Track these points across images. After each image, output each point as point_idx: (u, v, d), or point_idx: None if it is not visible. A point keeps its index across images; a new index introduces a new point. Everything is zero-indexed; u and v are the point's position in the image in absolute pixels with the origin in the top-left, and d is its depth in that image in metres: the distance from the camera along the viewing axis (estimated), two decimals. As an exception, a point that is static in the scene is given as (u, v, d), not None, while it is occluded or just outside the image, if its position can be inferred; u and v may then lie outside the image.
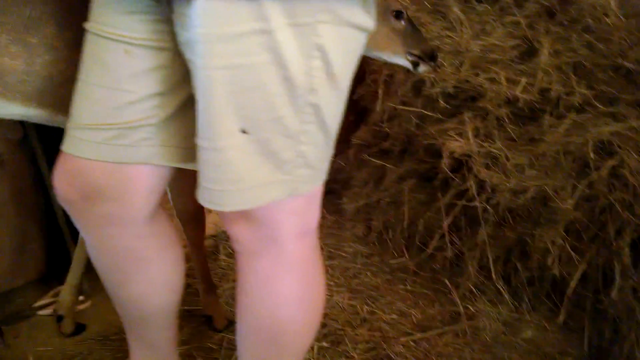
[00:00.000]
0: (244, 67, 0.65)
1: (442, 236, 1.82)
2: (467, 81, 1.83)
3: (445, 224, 1.79)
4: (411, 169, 2.00)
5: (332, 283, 1.88)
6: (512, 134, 1.75)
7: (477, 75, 1.82)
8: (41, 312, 1.63)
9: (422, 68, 1.53)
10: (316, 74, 0.68)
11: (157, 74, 0.76)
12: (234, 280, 1.52)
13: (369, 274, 1.95)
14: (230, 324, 1.62)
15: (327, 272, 1.94)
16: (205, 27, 0.63)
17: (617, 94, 1.72)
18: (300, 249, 0.81)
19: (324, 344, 1.57)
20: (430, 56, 1.53)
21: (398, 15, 1.50)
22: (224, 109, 0.67)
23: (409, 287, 1.87)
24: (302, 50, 0.65)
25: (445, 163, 1.75)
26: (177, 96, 0.79)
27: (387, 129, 2.12)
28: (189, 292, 1.70)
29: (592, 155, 1.57)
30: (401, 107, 2.00)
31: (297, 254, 0.81)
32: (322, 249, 2.05)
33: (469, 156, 1.75)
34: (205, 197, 0.74)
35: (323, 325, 1.65)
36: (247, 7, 0.61)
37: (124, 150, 0.79)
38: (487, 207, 1.71)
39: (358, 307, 1.76)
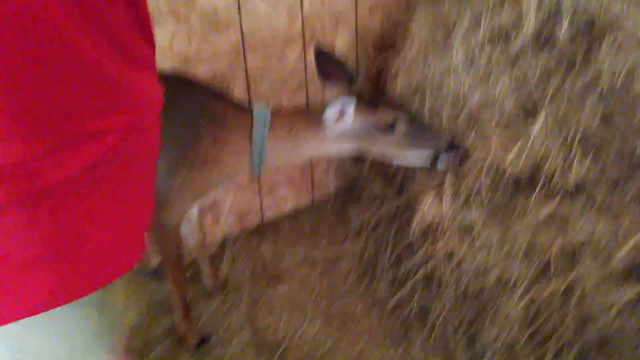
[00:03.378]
0: None
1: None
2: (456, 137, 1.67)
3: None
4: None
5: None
6: (491, 204, 1.62)
7: (468, 130, 1.66)
8: None
9: (440, 165, 1.48)
10: None
11: None
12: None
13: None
14: (202, 344, 1.85)
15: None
16: None
17: (621, 183, 1.48)
18: None
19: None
20: (447, 148, 1.45)
21: (390, 127, 1.43)
22: None
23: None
24: None
25: (415, 229, 1.69)
26: None
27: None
28: (162, 310, 1.95)
29: (553, 261, 1.43)
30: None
31: None
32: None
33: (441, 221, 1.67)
34: None
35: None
36: None
37: None
38: (449, 278, 1.66)
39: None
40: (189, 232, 1.88)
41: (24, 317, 0.70)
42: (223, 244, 2.25)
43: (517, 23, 1.62)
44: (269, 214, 2.35)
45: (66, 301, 0.71)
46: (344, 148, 1.52)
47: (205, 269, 2.00)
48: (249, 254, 2.21)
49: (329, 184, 2.48)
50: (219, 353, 1.82)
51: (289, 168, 2.30)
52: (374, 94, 1.49)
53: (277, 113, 1.51)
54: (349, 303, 2.01)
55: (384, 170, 2.07)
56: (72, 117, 0.62)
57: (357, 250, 2.17)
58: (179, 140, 1.45)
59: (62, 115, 0.61)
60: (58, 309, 0.71)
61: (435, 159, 1.47)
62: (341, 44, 2.20)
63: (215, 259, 2.18)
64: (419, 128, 1.43)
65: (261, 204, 2.30)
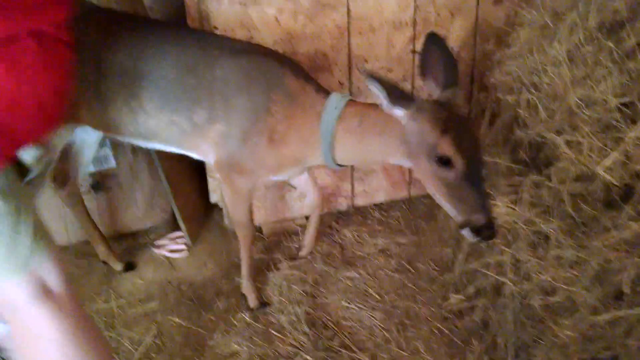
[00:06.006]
0: None
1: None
2: (544, 138, 1.50)
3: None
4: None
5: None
6: (572, 218, 1.41)
7: (559, 133, 1.47)
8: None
9: (465, 233, 1.32)
10: None
11: None
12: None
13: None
14: (261, 307, 1.92)
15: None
16: None
17: None
18: None
19: None
20: (476, 229, 1.27)
21: (443, 161, 1.27)
22: None
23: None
24: None
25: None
26: None
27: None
28: (237, 270, 2.06)
29: (626, 288, 1.20)
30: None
31: None
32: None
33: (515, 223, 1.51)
34: None
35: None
36: None
37: None
38: (514, 291, 1.49)
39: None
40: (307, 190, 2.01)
41: None
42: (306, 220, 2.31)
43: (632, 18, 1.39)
44: (360, 201, 2.33)
45: None
46: (400, 155, 1.40)
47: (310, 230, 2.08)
48: (330, 235, 2.23)
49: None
50: (272, 320, 1.87)
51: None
52: (457, 118, 1.31)
53: (352, 104, 1.47)
54: (415, 304, 1.91)
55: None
56: None
57: (437, 252, 2.05)
58: (251, 110, 1.49)
59: None
60: None
61: (465, 224, 1.30)
62: (456, 36, 2.10)
63: (295, 234, 2.25)
64: (470, 187, 1.26)
65: (352, 190, 2.29)
